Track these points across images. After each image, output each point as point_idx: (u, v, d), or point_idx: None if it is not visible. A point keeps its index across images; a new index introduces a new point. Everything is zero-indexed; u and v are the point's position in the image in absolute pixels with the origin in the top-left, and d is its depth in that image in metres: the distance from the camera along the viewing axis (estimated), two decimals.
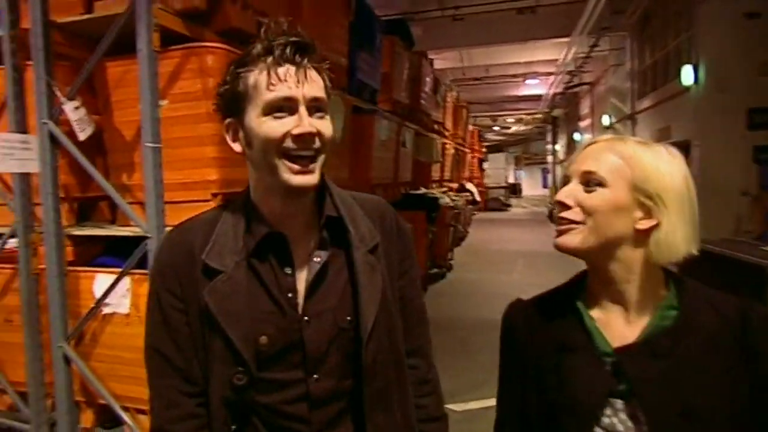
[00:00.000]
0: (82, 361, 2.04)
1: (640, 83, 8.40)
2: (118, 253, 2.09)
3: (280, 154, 0.80)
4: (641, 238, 0.79)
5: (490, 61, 10.95)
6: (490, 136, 21.87)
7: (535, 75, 11.93)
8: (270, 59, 0.81)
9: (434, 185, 7.59)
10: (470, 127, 13.67)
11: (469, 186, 11.18)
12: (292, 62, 0.81)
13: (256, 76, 0.81)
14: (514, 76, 11.95)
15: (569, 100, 14.19)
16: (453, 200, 7.00)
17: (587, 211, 0.79)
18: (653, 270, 0.81)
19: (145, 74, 1.79)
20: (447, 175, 8.88)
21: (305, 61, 0.81)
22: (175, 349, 0.85)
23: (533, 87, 13.14)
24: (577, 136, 13.09)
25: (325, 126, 0.82)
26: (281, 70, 0.80)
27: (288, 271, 0.85)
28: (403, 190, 5.53)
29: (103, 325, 2.06)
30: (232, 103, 0.83)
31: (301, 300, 0.85)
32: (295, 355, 0.84)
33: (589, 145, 0.83)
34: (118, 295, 1.93)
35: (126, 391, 2.03)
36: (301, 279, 0.86)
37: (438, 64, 9.05)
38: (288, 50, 0.80)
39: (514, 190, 24.91)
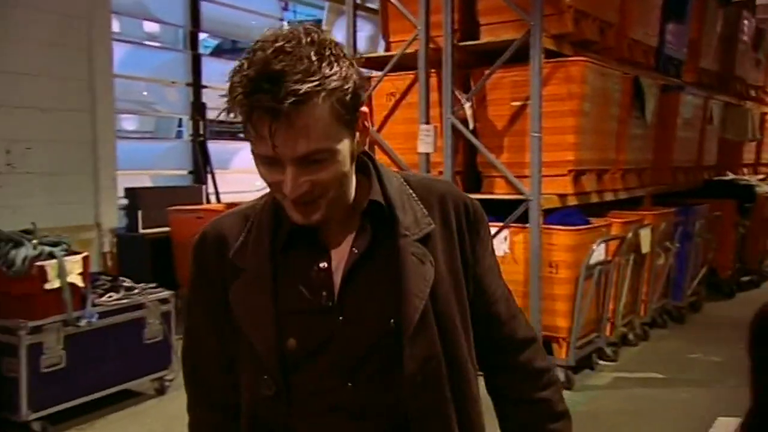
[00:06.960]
0: None
1: None
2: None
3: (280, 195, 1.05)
4: None
5: None
6: None
7: None
8: (243, 100, 0.94)
9: (745, 170, 8.71)
10: None
11: None
12: (269, 109, 0.92)
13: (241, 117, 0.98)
14: None
15: None
16: None
17: None
18: None
19: (536, 85, 4.05)
20: (765, 157, 9.79)
21: (290, 104, 0.91)
22: (205, 358, 1.19)
23: None
24: None
25: (325, 174, 1.01)
26: (257, 119, 0.94)
27: (323, 265, 1.11)
28: (705, 175, 7.03)
29: None
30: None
31: (336, 298, 1.10)
32: (327, 357, 1.10)
33: None
34: (496, 242, 4.16)
35: None
36: (339, 275, 1.11)
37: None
38: (263, 90, 0.91)
39: None
